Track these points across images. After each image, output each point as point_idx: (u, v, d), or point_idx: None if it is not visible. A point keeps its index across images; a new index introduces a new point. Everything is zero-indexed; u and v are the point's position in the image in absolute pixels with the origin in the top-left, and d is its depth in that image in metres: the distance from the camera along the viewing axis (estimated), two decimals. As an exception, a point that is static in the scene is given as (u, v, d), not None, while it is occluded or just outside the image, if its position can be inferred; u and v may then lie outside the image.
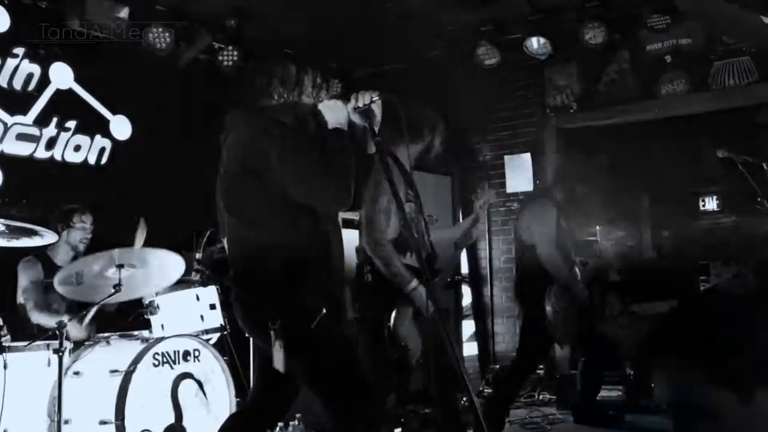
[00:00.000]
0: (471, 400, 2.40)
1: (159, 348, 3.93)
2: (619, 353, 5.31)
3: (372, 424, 2.60)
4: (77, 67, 5.21)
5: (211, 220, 2.88)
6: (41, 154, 5.01)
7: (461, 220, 6.84)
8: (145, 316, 4.19)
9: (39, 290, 4.23)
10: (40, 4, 5.02)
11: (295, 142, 2.61)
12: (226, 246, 2.78)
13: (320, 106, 2.69)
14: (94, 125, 5.32)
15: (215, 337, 4.51)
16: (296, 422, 4.59)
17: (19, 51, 4.90)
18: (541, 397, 5.94)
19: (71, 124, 5.14)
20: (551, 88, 6.69)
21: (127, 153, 5.45)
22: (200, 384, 4.05)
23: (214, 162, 2.80)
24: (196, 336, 4.23)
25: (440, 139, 3.62)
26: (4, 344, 3.61)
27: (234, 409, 4.11)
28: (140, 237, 4.24)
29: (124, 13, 5.13)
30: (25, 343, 3.73)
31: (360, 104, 2.62)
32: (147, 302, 4.19)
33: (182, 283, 4.34)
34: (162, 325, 4.15)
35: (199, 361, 4.10)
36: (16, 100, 4.90)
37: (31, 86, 4.98)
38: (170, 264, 4.08)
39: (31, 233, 3.56)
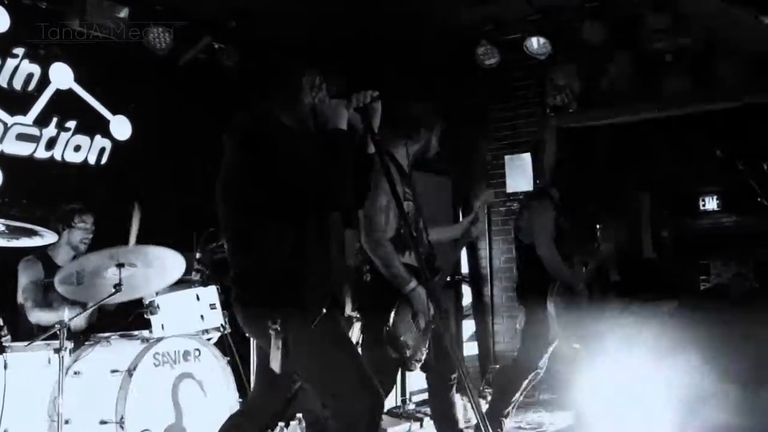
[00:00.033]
0: (471, 400, 2.40)
1: (159, 348, 3.93)
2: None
3: (371, 423, 2.60)
4: (77, 67, 5.21)
5: (211, 220, 2.88)
6: (41, 154, 5.00)
7: (461, 219, 6.84)
8: (146, 316, 4.18)
9: (39, 290, 4.23)
10: (40, 4, 5.02)
11: (295, 142, 2.61)
12: (225, 246, 2.78)
13: (320, 107, 2.69)
14: (94, 125, 5.31)
15: (215, 336, 4.51)
16: (296, 421, 4.59)
17: (19, 51, 4.89)
18: (541, 396, 5.94)
19: (71, 124, 5.14)
20: (551, 87, 6.70)
21: (127, 153, 5.45)
22: (201, 384, 4.05)
23: (214, 162, 2.80)
24: (197, 336, 4.23)
25: (438, 138, 3.63)
26: (4, 344, 3.61)
27: (234, 409, 4.10)
28: (135, 223, 4.24)
29: (123, 13, 5.12)
30: (26, 343, 3.73)
31: (359, 104, 2.62)
32: (147, 302, 4.18)
33: (182, 283, 4.33)
34: (162, 325, 4.15)
35: (199, 360, 4.10)
36: (16, 100, 4.89)
37: (31, 86, 4.98)
38: (170, 262, 4.07)
39: (31, 233, 3.56)
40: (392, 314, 3.33)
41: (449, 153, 6.67)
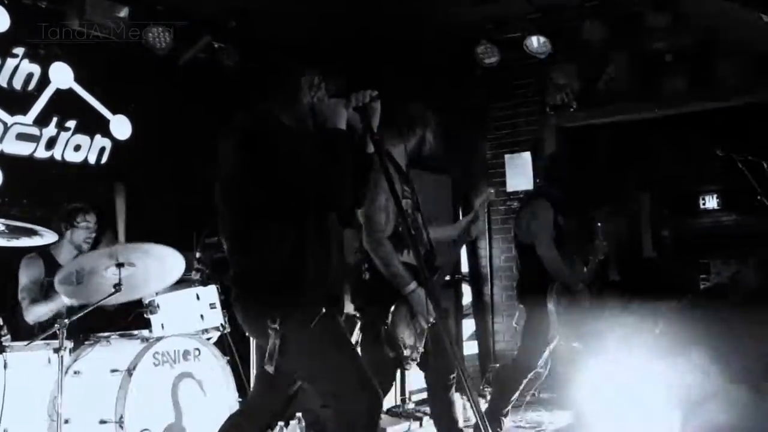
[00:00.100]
0: (471, 400, 2.40)
1: (159, 347, 3.93)
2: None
3: (371, 423, 2.60)
4: (77, 67, 5.21)
5: (211, 220, 2.88)
6: (41, 153, 5.00)
7: (461, 218, 6.84)
8: (146, 316, 4.19)
9: (38, 288, 4.23)
10: (39, 4, 5.02)
11: (294, 142, 2.61)
12: (225, 246, 2.78)
13: (319, 106, 2.69)
14: (94, 125, 5.31)
15: (215, 336, 4.51)
16: (297, 421, 4.60)
17: (19, 51, 4.89)
18: (541, 395, 5.94)
19: (71, 123, 5.14)
20: (551, 86, 6.69)
21: (127, 153, 5.45)
22: (200, 383, 4.06)
23: (214, 162, 2.80)
24: (197, 335, 4.23)
25: (432, 134, 3.63)
26: (4, 344, 3.61)
27: (234, 409, 4.11)
28: (121, 206, 4.23)
29: (123, 12, 5.12)
30: (25, 343, 3.73)
31: (359, 104, 2.62)
32: (147, 302, 4.18)
33: (182, 283, 4.33)
34: (162, 325, 4.15)
35: (199, 360, 4.10)
36: (16, 100, 4.89)
37: (31, 86, 4.98)
38: (170, 261, 4.07)
39: (31, 233, 3.56)
40: (391, 313, 3.33)
41: (449, 152, 6.70)
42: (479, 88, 6.84)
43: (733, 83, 5.86)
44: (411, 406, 5.63)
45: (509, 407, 4.71)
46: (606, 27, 5.93)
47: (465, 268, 6.98)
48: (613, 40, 6.08)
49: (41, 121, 5.01)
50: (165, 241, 4.07)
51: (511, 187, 6.84)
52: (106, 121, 5.41)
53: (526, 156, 6.78)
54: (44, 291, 4.22)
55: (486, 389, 6.18)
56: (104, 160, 5.34)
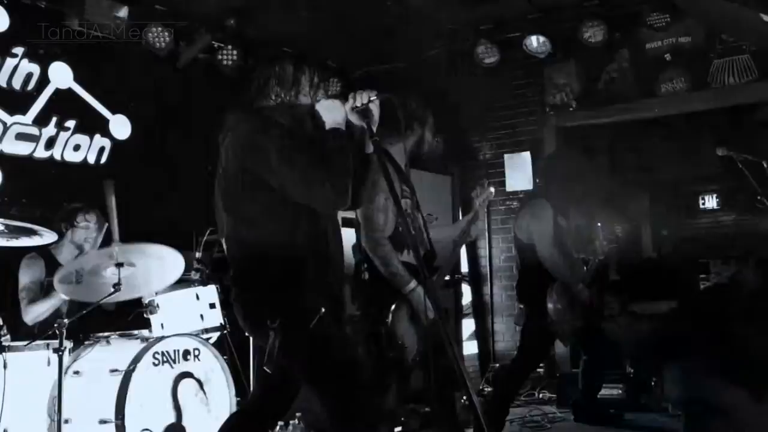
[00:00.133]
0: (471, 399, 2.39)
1: (159, 347, 3.93)
2: (619, 352, 5.31)
3: (370, 423, 2.60)
4: (77, 67, 5.21)
5: (210, 220, 2.88)
6: (41, 153, 5.01)
7: (461, 218, 6.84)
8: (145, 316, 4.18)
9: (38, 289, 4.23)
10: (39, 4, 5.02)
11: (292, 142, 2.61)
12: (224, 246, 2.77)
13: (318, 106, 2.69)
14: (94, 125, 5.31)
15: (215, 336, 4.51)
16: (296, 421, 4.60)
17: (19, 50, 4.90)
18: (541, 395, 5.94)
19: (71, 123, 5.14)
20: (551, 86, 6.69)
21: (127, 152, 5.45)
22: (200, 383, 4.06)
23: (213, 162, 2.80)
24: (196, 335, 4.23)
25: (431, 132, 3.63)
26: (3, 344, 3.61)
27: (234, 409, 4.11)
28: (111, 202, 4.23)
29: (123, 12, 5.12)
30: (25, 343, 3.73)
31: (358, 104, 2.62)
32: (147, 301, 4.18)
33: (182, 282, 4.33)
34: (162, 325, 4.15)
35: (199, 360, 4.10)
36: (15, 100, 4.89)
37: (31, 86, 4.98)
38: (170, 261, 4.07)
39: (31, 233, 3.56)
40: (390, 313, 3.33)
41: (449, 152, 6.70)
42: (479, 88, 6.84)
43: (733, 81, 5.85)
44: (410, 405, 5.61)
45: (509, 407, 4.71)
46: (605, 26, 5.93)
47: (465, 268, 6.97)
48: (613, 40, 6.08)
49: (41, 120, 5.01)
50: (165, 240, 4.07)
51: (510, 187, 6.83)
52: (106, 121, 5.41)
53: (526, 156, 6.77)
54: (44, 291, 4.21)
55: (486, 389, 6.19)
56: (104, 159, 5.34)
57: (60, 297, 4.00)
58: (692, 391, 3.41)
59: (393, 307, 3.33)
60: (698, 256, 5.90)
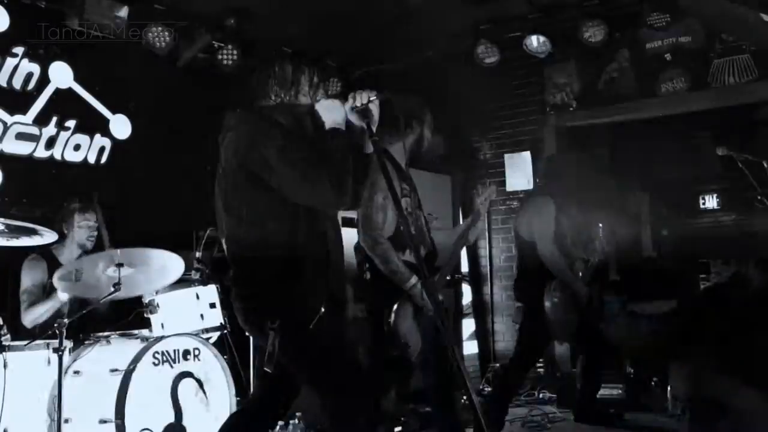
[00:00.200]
0: (471, 399, 2.39)
1: (159, 347, 3.93)
2: (619, 352, 5.31)
3: (370, 423, 2.60)
4: (77, 66, 5.21)
5: (210, 220, 2.88)
6: (41, 153, 5.01)
7: (461, 218, 6.84)
8: (145, 315, 4.19)
9: (39, 293, 4.22)
10: (39, 4, 5.02)
11: (292, 142, 2.61)
12: (224, 246, 2.78)
13: (318, 106, 2.69)
14: (94, 124, 5.31)
15: (215, 336, 4.51)
16: (296, 421, 4.60)
17: (19, 50, 4.90)
18: (541, 395, 5.94)
19: (71, 123, 5.14)
20: (551, 86, 6.69)
21: (127, 152, 5.45)
22: (200, 383, 4.06)
23: (213, 161, 2.80)
24: (196, 335, 4.23)
25: (430, 130, 3.62)
26: (4, 343, 3.61)
27: (234, 408, 4.11)
28: (98, 211, 4.26)
29: (123, 12, 5.12)
30: (25, 342, 3.74)
31: (358, 104, 2.62)
32: (147, 301, 4.19)
33: (182, 282, 4.33)
34: (162, 324, 4.15)
35: (199, 360, 4.10)
36: (15, 100, 4.89)
37: (31, 85, 4.98)
38: (170, 264, 4.09)
39: (31, 232, 3.57)
40: (393, 311, 3.32)
41: (449, 151, 6.70)
42: (479, 88, 6.83)
43: (733, 81, 5.85)
44: (411, 405, 5.62)
45: (509, 407, 4.71)
46: (605, 26, 5.93)
47: (465, 268, 6.97)
48: (613, 40, 6.08)
49: (41, 120, 5.01)
50: (165, 240, 4.07)
51: (510, 186, 6.83)
52: (106, 121, 5.41)
53: (526, 156, 6.77)
54: (46, 294, 4.21)
55: (486, 389, 6.19)
56: (104, 159, 5.34)
57: (59, 299, 4.00)
58: (698, 389, 3.42)
59: (396, 305, 3.33)
60: (698, 256, 5.90)
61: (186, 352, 4.06)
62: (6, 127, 4.83)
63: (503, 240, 6.91)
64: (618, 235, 4.96)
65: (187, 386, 3.99)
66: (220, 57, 5.87)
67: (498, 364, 6.51)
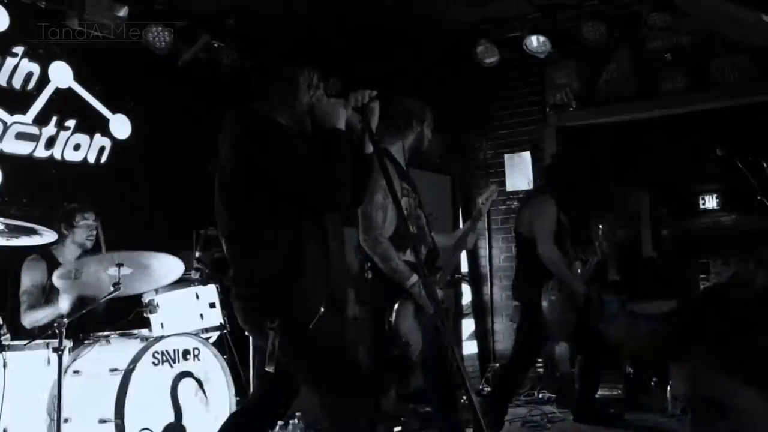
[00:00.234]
0: (470, 399, 2.39)
1: (158, 347, 3.93)
2: (618, 352, 5.31)
3: (370, 422, 2.60)
4: (77, 66, 5.21)
5: (210, 219, 2.88)
6: (41, 153, 5.01)
7: (461, 218, 6.84)
8: (145, 315, 4.18)
9: (39, 293, 4.22)
10: (39, 4, 5.02)
11: (292, 142, 2.61)
12: (224, 245, 2.77)
13: (317, 106, 2.69)
14: (94, 124, 5.32)
15: (215, 335, 4.51)
16: (296, 421, 4.60)
17: (19, 50, 4.90)
18: (540, 395, 5.94)
19: (71, 123, 5.14)
20: (551, 86, 6.69)
21: (127, 152, 5.45)
22: (200, 383, 4.05)
23: (213, 161, 2.79)
24: (196, 335, 4.23)
25: (430, 129, 3.62)
26: (3, 343, 3.61)
27: (234, 408, 4.11)
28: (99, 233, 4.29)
29: (123, 12, 5.13)
30: (25, 342, 3.73)
31: (357, 104, 2.62)
32: (146, 301, 4.18)
33: (182, 282, 4.33)
34: (162, 324, 4.14)
35: (198, 359, 4.10)
36: (15, 99, 4.90)
37: (31, 85, 4.98)
38: (168, 265, 4.09)
39: (31, 232, 3.56)
40: (394, 311, 3.32)
41: (449, 151, 6.70)
42: (479, 88, 6.84)
43: (733, 81, 5.85)
44: (411, 404, 5.62)
45: (508, 406, 4.71)
46: (606, 26, 5.93)
47: (465, 268, 6.97)
48: (613, 40, 6.08)
49: (41, 120, 5.01)
50: (164, 239, 4.08)
51: (510, 186, 6.83)
52: (106, 120, 5.41)
53: (526, 156, 6.77)
54: (45, 294, 4.21)
55: (485, 389, 6.18)
56: (104, 159, 5.34)
57: (59, 307, 3.98)
58: (698, 390, 3.42)
59: (397, 304, 3.32)
60: (698, 256, 5.91)
61: (186, 352, 4.05)
62: (6, 127, 4.83)
63: (503, 240, 6.90)
64: (618, 236, 4.96)
65: (186, 386, 3.99)
66: (219, 56, 5.87)
67: (497, 364, 6.51)
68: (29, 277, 4.25)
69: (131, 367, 3.76)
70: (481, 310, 7.02)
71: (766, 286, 3.67)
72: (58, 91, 5.12)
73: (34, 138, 4.97)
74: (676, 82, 6.06)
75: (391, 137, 3.49)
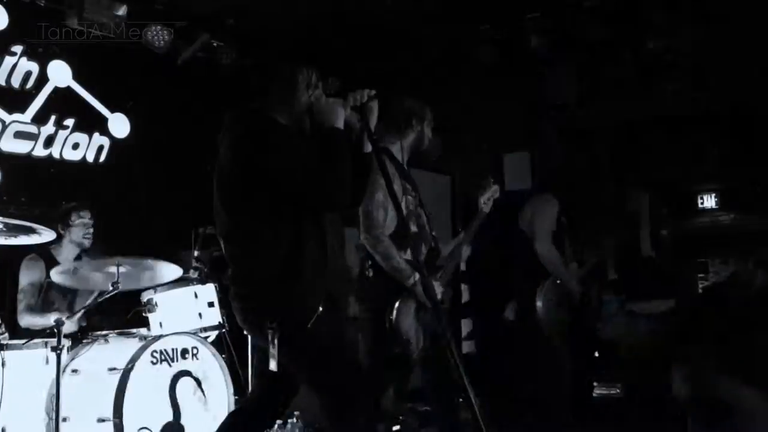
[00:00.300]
0: (469, 398, 2.39)
1: (157, 346, 3.93)
2: (617, 351, 5.31)
3: (369, 421, 2.60)
4: (76, 65, 5.21)
5: (209, 219, 2.88)
6: (39, 152, 5.01)
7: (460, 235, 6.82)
8: (144, 314, 4.18)
9: (36, 292, 4.22)
10: (38, 3, 5.02)
11: (291, 141, 2.61)
12: (223, 245, 2.77)
13: (316, 105, 2.69)
14: (93, 123, 5.32)
15: (213, 334, 4.50)
16: (295, 420, 4.60)
17: (18, 49, 4.90)
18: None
19: (69, 121, 5.14)
20: (551, 86, 6.69)
21: (126, 151, 5.45)
22: (198, 382, 4.05)
23: (212, 160, 2.79)
24: (195, 334, 4.22)
25: (430, 128, 3.62)
26: (2, 342, 3.61)
27: (232, 407, 4.11)
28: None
29: (122, 11, 5.12)
30: (23, 341, 3.73)
31: (356, 103, 2.61)
32: (145, 300, 4.18)
33: (181, 281, 4.33)
34: (160, 323, 4.15)
35: (197, 358, 4.10)
36: (14, 98, 4.90)
37: (30, 84, 4.98)
38: (169, 270, 4.10)
39: (29, 231, 3.57)
40: (395, 309, 3.32)
41: (448, 151, 6.69)
42: (478, 88, 6.83)
43: (733, 83, 5.85)
44: (410, 404, 5.61)
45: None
46: (606, 27, 5.92)
47: (464, 267, 6.97)
48: (613, 40, 6.08)
49: (39, 119, 5.01)
50: (163, 238, 4.08)
51: (510, 187, 6.82)
52: (105, 120, 5.41)
53: (526, 156, 6.77)
54: (42, 294, 4.20)
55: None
56: (102, 158, 5.34)
57: (56, 316, 3.96)
58: (698, 390, 3.41)
59: (398, 303, 3.32)
60: (697, 256, 5.91)
61: (184, 351, 4.05)
62: (4, 126, 4.82)
63: (502, 240, 6.90)
64: (616, 235, 4.96)
65: (185, 385, 3.99)
66: (218, 56, 5.87)
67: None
68: (27, 276, 4.25)
69: (130, 366, 3.76)
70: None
71: (764, 285, 3.67)
72: (56, 90, 5.12)
73: (32, 137, 4.97)
74: (676, 82, 6.06)
75: (391, 136, 3.48)
